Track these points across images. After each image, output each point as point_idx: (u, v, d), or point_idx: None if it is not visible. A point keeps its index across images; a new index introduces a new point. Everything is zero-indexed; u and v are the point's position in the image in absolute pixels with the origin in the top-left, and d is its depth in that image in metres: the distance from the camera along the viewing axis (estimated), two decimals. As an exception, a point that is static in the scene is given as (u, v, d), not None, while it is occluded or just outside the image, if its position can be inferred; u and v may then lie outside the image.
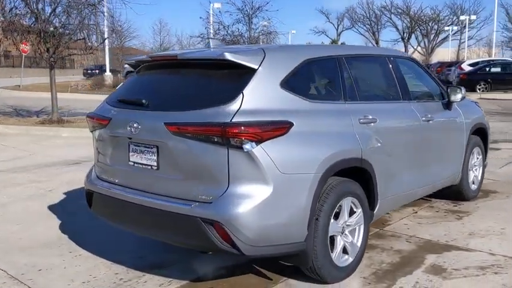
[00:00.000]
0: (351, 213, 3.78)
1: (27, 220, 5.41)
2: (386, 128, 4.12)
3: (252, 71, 3.29)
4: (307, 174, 3.31)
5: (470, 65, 27.33)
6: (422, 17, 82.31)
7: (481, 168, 6.12)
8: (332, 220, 3.55)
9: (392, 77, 4.55)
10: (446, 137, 5.18)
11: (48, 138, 11.65)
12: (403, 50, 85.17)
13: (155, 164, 3.42)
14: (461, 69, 26.61)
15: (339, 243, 3.69)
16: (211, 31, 26.12)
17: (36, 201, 6.15)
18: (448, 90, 5.20)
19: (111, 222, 4.01)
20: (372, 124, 3.94)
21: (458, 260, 4.11)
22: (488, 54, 78.04)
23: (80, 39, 13.32)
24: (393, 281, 3.75)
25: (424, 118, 4.70)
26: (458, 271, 3.90)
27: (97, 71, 41.01)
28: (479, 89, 24.75)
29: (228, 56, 3.27)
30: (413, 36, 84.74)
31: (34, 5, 12.35)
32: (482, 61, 27.42)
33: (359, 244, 3.85)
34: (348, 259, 3.76)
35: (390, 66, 4.58)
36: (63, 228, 5.13)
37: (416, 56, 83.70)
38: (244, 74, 3.28)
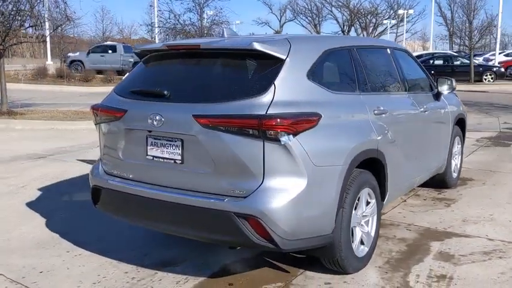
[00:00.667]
0: (367, 203, 3.81)
1: (8, 220, 5.07)
2: (394, 119, 4.18)
3: (281, 62, 3.22)
4: (336, 166, 3.30)
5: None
6: (362, 11, 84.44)
7: (460, 156, 6.37)
8: (353, 211, 3.57)
9: (394, 68, 4.62)
10: (437, 127, 5.34)
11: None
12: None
13: (179, 157, 3.28)
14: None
15: (358, 233, 3.71)
16: (159, 20, 25.54)
17: (11, 199, 5.78)
18: (438, 81, 5.35)
19: (124, 219, 3.83)
20: (384, 115, 3.99)
21: (461, 247, 4.25)
22: (423, 47, 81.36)
23: (30, 27, 12.60)
24: (408, 269, 3.82)
25: (422, 109, 4.82)
26: (466, 257, 4.04)
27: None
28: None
29: (258, 46, 3.18)
30: (353, 29, 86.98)
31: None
32: (426, 54, 28.55)
33: (373, 234, 3.89)
34: (364, 249, 3.80)
35: (392, 57, 4.65)
36: (51, 227, 4.85)
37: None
38: (273, 65, 3.21)
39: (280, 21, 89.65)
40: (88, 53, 29.87)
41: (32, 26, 13.16)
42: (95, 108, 3.75)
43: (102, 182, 3.71)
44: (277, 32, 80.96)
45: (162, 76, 3.66)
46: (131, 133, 3.50)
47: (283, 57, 3.23)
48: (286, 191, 3.04)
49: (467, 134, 6.78)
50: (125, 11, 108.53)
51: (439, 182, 5.89)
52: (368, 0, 72.43)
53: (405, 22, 63.20)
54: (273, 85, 3.11)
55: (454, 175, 6.15)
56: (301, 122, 3.07)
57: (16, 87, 21.60)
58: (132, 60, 28.95)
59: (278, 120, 2.97)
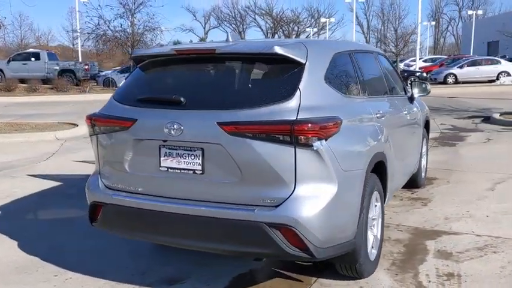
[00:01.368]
0: (374, 207, 3.83)
1: (-27, 243, 4.58)
2: (389, 122, 4.24)
3: (301, 66, 3.15)
4: (358, 171, 3.28)
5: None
6: (284, 19, 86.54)
7: (426, 157, 6.62)
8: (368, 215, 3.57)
9: (381, 72, 4.70)
10: (414, 129, 5.50)
11: None
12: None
13: (199, 168, 3.10)
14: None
15: (370, 237, 3.71)
16: (87, 26, 24.54)
17: (-31, 221, 5.24)
18: (412, 85, 5.51)
19: (131, 236, 3.57)
20: (383, 118, 4.03)
21: (455, 244, 4.38)
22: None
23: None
24: (415, 269, 3.87)
25: (405, 112, 4.94)
26: (463, 254, 4.16)
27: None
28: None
29: (279, 50, 3.09)
30: (276, 36, 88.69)
31: None
32: None
33: (379, 236, 3.91)
34: (374, 252, 3.81)
35: (377, 61, 4.72)
36: (25, 249, 4.44)
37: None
38: (294, 69, 3.14)
39: (204, 28, 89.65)
40: (8, 61, 28.08)
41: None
42: (93, 118, 3.47)
43: (104, 198, 3.43)
44: (202, 39, 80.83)
45: (173, 82, 3.46)
46: (141, 144, 3.27)
47: (303, 61, 3.17)
48: (319, 198, 2.97)
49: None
50: (41, 18, 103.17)
51: (411, 181, 6.06)
52: (290, 9, 74.10)
53: (327, 30, 65.49)
54: (298, 90, 3.03)
55: (423, 175, 6.37)
56: (330, 126, 3.02)
57: None
58: (57, 68, 27.58)
59: (309, 125, 2.90)
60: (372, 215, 3.75)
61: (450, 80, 28.42)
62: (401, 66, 31.54)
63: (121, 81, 28.51)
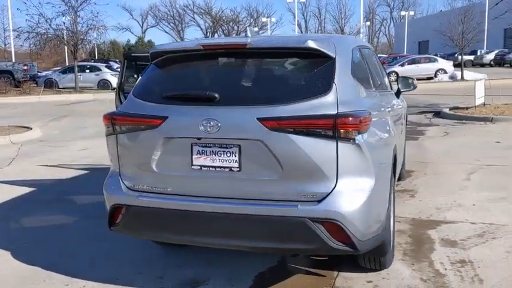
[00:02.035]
0: None
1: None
2: (391, 115, 4.34)
3: (332, 60, 3.16)
4: (388, 163, 3.34)
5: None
6: (224, 18, 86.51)
7: (404, 150, 6.83)
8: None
9: (378, 66, 4.80)
10: (401, 122, 5.66)
11: None
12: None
13: (236, 165, 3.04)
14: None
15: (391, 229, 3.78)
16: (28, 25, 23.33)
17: None
18: (399, 80, 5.67)
19: (159, 238, 3.46)
20: (391, 112, 4.13)
21: (456, 232, 4.55)
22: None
23: None
24: (428, 258, 3.98)
25: (398, 106, 5.08)
26: (466, 241, 4.33)
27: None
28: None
29: (313, 45, 3.08)
30: (216, 35, 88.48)
31: None
32: None
33: (391, 228, 4.00)
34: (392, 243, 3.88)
35: (375, 57, 4.82)
36: (24, 259, 4.18)
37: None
38: (325, 63, 3.14)
39: (142, 27, 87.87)
40: None
41: None
42: (114, 116, 3.31)
43: (128, 200, 3.28)
44: (140, 39, 79.20)
45: (202, 78, 3.35)
46: (171, 142, 3.15)
47: (334, 55, 3.17)
48: (361, 191, 2.99)
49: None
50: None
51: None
52: (229, 8, 74.32)
53: (269, 29, 66.03)
54: (334, 84, 3.04)
55: (405, 167, 6.58)
56: (367, 120, 3.05)
57: None
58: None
59: (350, 118, 2.92)
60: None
61: (392, 77, 29.52)
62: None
63: (64, 82, 27.42)
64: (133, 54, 5.38)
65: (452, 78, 28.36)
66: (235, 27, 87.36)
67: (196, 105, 3.11)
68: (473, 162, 7.39)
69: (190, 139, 3.10)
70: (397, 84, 5.67)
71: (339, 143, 2.91)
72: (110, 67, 30.02)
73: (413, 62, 30.50)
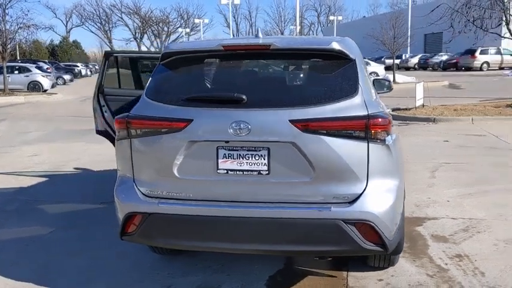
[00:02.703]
0: None
1: None
2: None
3: (352, 62, 3.19)
4: (403, 163, 3.41)
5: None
6: (153, 18, 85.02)
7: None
8: None
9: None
10: None
11: None
12: (137, 49, 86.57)
13: (265, 168, 2.98)
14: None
15: None
16: None
17: None
18: (375, 82, 5.81)
19: (180, 246, 3.32)
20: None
21: (442, 228, 4.74)
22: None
23: None
24: (426, 254, 4.12)
25: None
26: (454, 236, 4.53)
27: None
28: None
29: (337, 46, 3.10)
30: (145, 36, 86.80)
31: None
32: None
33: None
34: (396, 241, 3.97)
35: None
36: (11, 275, 3.85)
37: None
38: (347, 65, 3.16)
39: (66, 26, 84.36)
40: None
41: None
42: (130, 119, 3.13)
43: (147, 207, 3.12)
44: (64, 38, 75.92)
45: (225, 80, 3.25)
46: (196, 146, 3.03)
47: (353, 57, 3.20)
48: (390, 191, 3.04)
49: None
50: None
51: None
52: (159, 8, 73.27)
53: (201, 31, 65.74)
54: (359, 85, 3.07)
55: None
56: (391, 121, 3.10)
57: None
58: None
59: (380, 120, 2.96)
60: None
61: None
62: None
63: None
64: (115, 55, 5.15)
65: (384, 81, 29.49)
66: (165, 28, 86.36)
67: (223, 107, 3.02)
68: (431, 161, 7.74)
69: (216, 142, 3.01)
70: (374, 86, 5.80)
71: (370, 144, 2.94)
72: (40, 68, 28.53)
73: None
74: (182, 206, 3.08)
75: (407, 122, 12.81)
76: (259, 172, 3.00)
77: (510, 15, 14.09)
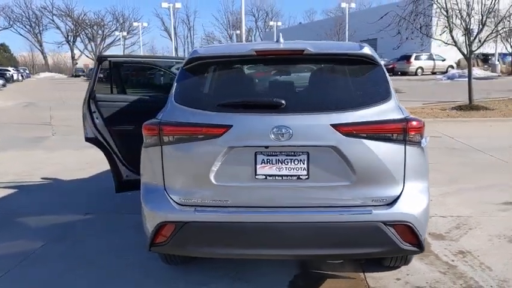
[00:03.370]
0: None
1: None
2: None
3: (380, 67, 3.27)
4: None
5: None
6: (87, 21, 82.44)
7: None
8: None
9: None
10: None
11: None
12: (70, 53, 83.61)
13: (304, 173, 2.98)
14: (174, 73, 28.34)
15: None
16: None
17: None
18: None
19: (215, 254, 3.26)
20: None
21: (436, 226, 4.92)
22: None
23: None
24: (431, 252, 4.26)
25: None
26: (450, 233, 4.72)
27: None
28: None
29: (368, 51, 3.19)
30: (79, 39, 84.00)
31: None
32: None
33: None
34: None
35: None
36: None
37: (86, 60, 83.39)
38: (376, 69, 3.25)
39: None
40: None
41: None
42: (163, 125, 3.03)
43: (181, 216, 3.04)
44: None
45: (261, 85, 3.22)
46: (234, 152, 2.98)
47: (380, 62, 3.28)
48: (423, 193, 3.14)
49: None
50: None
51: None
52: (93, 11, 71.36)
53: (140, 35, 64.38)
54: (391, 90, 3.16)
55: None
56: (424, 124, 3.19)
57: None
58: None
59: (416, 123, 3.04)
60: None
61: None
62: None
63: None
64: (109, 59, 4.94)
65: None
66: (100, 31, 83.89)
67: (263, 112, 3.00)
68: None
69: (254, 148, 2.98)
70: None
71: (407, 147, 3.02)
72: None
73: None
74: (220, 214, 3.03)
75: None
76: (298, 177, 3.00)
77: (453, 23, 14.89)
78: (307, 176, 3.00)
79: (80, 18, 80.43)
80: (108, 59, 4.94)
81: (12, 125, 14.48)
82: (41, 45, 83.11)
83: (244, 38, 33.32)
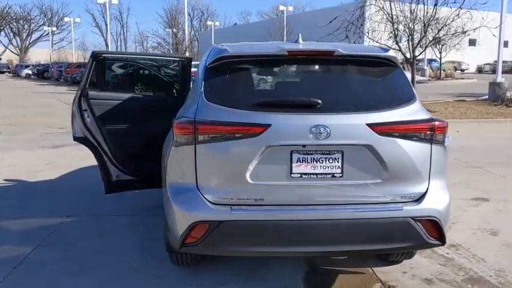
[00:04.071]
0: None
1: None
2: None
3: (400, 69, 3.42)
4: None
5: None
6: (12, 15, 78.10)
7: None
8: None
9: None
10: None
11: None
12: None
13: (339, 171, 3.05)
14: (114, 71, 27.46)
15: None
16: None
17: None
18: None
19: (249, 253, 3.25)
20: None
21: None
22: (83, 56, 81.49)
23: None
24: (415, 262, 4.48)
25: None
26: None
27: None
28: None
29: (392, 54, 3.32)
30: (2, 33, 79.39)
31: None
32: None
33: None
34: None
35: None
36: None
37: (10, 55, 78.96)
38: (397, 71, 3.38)
39: None
40: None
41: None
42: (199, 123, 2.98)
43: (217, 215, 3.01)
44: None
45: (296, 84, 3.24)
46: (270, 150, 3.00)
47: (400, 65, 3.43)
48: (445, 189, 3.31)
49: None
50: None
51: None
52: (18, 4, 67.93)
53: (72, 31, 61.81)
54: (414, 91, 3.30)
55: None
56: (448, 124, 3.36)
57: None
58: None
59: (439, 123, 3.20)
60: None
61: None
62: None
63: None
64: (104, 55, 4.74)
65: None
66: (26, 26, 79.74)
67: (301, 112, 3.04)
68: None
69: (291, 147, 3.01)
70: None
71: (433, 146, 3.17)
72: None
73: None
74: (256, 212, 3.04)
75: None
76: (333, 175, 3.07)
77: (397, 29, 15.61)
78: (341, 174, 3.08)
79: (5, 12, 76.06)
80: (104, 55, 4.77)
81: None
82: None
83: (187, 38, 33.22)
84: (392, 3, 15.10)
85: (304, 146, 3.02)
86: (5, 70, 63.93)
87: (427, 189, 3.20)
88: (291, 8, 51.77)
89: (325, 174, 3.07)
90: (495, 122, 13.23)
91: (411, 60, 15.51)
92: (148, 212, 5.38)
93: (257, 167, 3.03)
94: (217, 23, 64.45)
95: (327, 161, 3.06)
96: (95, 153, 4.80)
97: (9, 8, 77.33)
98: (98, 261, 4.09)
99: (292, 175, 3.05)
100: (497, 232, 4.89)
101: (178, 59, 5.01)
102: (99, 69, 4.71)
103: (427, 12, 15.13)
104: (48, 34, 73.47)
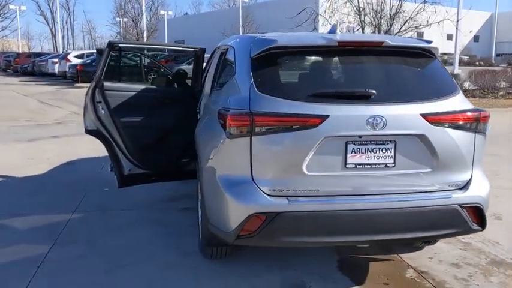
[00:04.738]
0: None
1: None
2: None
3: (438, 60, 3.51)
4: None
5: (76, 56, 27.36)
6: None
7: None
8: None
9: None
10: None
11: None
12: None
13: (391, 161, 3.11)
14: (70, 61, 26.47)
15: None
16: None
17: None
18: None
19: (307, 243, 3.33)
20: None
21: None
22: (28, 46, 78.11)
23: None
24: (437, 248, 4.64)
25: None
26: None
27: None
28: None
29: (433, 45, 3.39)
30: None
31: None
32: (88, 53, 27.72)
33: None
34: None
35: None
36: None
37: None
38: (436, 63, 3.48)
39: None
40: None
41: None
42: (255, 115, 2.95)
43: (274, 207, 3.01)
44: None
45: (350, 75, 3.27)
46: (326, 141, 3.01)
47: (438, 57, 3.53)
48: (485, 176, 3.43)
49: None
50: None
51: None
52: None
53: (18, 19, 59.03)
54: (455, 82, 3.41)
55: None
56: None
57: None
58: None
59: (485, 113, 3.32)
60: None
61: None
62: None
63: None
64: (120, 45, 4.56)
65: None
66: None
67: (357, 102, 3.07)
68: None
69: (346, 137, 3.04)
70: None
71: (476, 135, 3.29)
72: None
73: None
74: (312, 203, 3.06)
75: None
76: (386, 165, 3.13)
77: (363, 21, 15.95)
78: (393, 164, 3.14)
79: None
80: (119, 45, 4.60)
81: None
82: None
83: (145, 27, 32.47)
84: (359, -4, 15.44)
85: (360, 136, 3.06)
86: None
87: (471, 177, 3.32)
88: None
89: (379, 164, 3.12)
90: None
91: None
92: (154, 206, 5.30)
93: (313, 158, 3.04)
94: (170, 13, 63.47)
95: (381, 151, 3.11)
96: (107, 146, 4.66)
97: None
98: (127, 258, 3.98)
99: (346, 166, 3.08)
100: (501, 216, 5.12)
101: (192, 49, 4.91)
102: (115, 60, 4.56)
103: (393, 5, 15.55)
104: (-10, 22, 69.84)
